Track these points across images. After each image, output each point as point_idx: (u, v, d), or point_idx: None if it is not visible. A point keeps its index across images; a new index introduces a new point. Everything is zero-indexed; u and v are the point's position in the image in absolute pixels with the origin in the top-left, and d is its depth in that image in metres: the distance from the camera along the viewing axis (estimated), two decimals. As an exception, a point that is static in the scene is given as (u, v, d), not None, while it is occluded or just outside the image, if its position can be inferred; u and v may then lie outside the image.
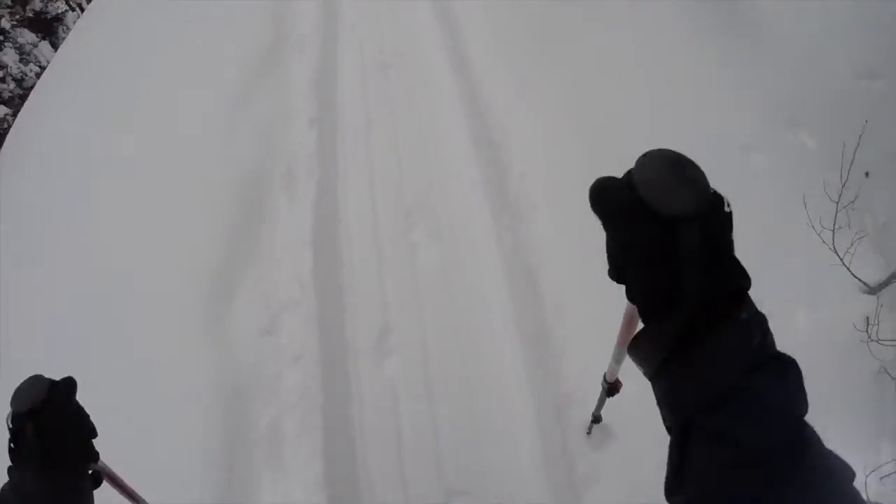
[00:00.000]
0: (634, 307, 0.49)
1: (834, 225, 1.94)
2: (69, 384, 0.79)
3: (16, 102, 6.54)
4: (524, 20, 3.16)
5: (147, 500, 1.20)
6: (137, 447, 2.04)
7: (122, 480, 1.06)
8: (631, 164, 0.47)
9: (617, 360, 1.15)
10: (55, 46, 6.98)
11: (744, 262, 0.47)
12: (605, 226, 0.47)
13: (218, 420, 2.17)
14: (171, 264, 2.64)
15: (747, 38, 3.15)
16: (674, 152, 0.45)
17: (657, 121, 2.63)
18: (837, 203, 1.97)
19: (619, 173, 0.48)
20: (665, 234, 0.43)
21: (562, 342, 2.18)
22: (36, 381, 0.76)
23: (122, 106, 3.69)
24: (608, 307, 2.28)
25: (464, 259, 2.42)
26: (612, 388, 1.33)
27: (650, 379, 0.50)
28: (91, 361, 2.17)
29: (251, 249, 2.63)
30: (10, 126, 6.32)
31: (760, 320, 0.47)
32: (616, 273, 0.49)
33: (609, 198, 0.46)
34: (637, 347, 0.50)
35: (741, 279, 0.46)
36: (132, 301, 2.55)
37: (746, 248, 0.56)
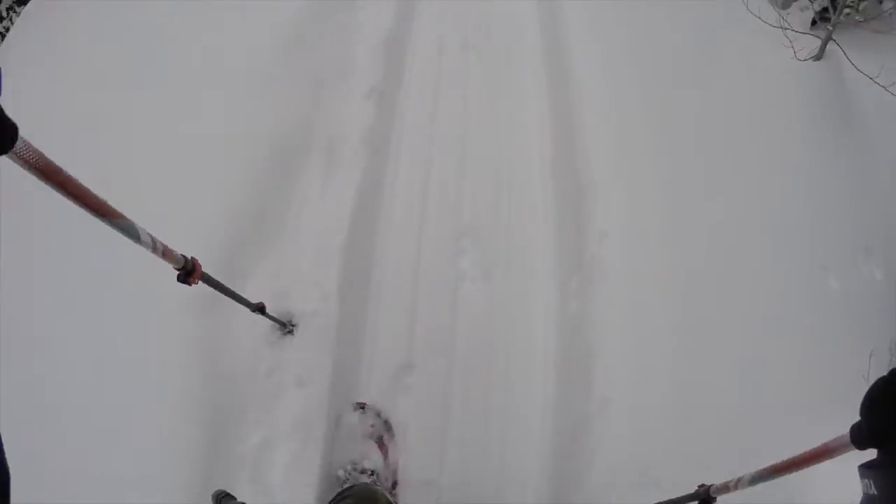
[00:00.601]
0: (846, 444, 0.71)
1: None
2: None
3: None
4: (644, 102, 2.58)
5: None
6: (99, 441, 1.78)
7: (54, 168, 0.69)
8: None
9: (757, 482, 0.97)
10: None
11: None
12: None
13: (199, 435, 1.89)
14: (178, 223, 2.23)
15: (851, 154, 2.71)
16: None
17: (749, 211, 2.26)
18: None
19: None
20: None
21: (598, 440, 1.91)
22: None
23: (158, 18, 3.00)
24: (657, 411, 1.95)
25: (515, 312, 2.09)
26: (709, 500, 1.15)
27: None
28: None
29: (272, 235, 2.25)
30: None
31: None
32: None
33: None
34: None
35: None
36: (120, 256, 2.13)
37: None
